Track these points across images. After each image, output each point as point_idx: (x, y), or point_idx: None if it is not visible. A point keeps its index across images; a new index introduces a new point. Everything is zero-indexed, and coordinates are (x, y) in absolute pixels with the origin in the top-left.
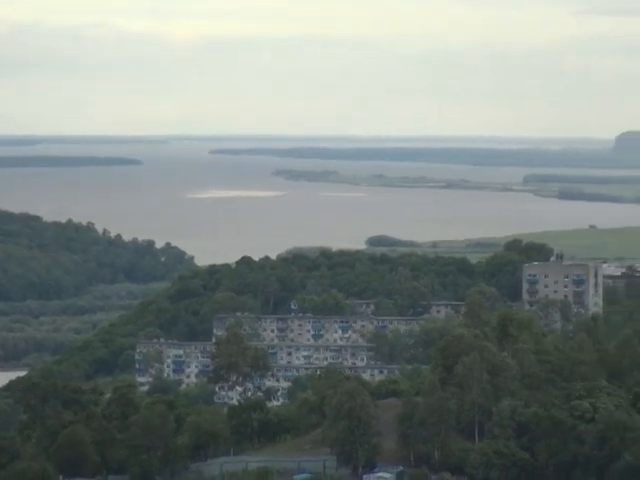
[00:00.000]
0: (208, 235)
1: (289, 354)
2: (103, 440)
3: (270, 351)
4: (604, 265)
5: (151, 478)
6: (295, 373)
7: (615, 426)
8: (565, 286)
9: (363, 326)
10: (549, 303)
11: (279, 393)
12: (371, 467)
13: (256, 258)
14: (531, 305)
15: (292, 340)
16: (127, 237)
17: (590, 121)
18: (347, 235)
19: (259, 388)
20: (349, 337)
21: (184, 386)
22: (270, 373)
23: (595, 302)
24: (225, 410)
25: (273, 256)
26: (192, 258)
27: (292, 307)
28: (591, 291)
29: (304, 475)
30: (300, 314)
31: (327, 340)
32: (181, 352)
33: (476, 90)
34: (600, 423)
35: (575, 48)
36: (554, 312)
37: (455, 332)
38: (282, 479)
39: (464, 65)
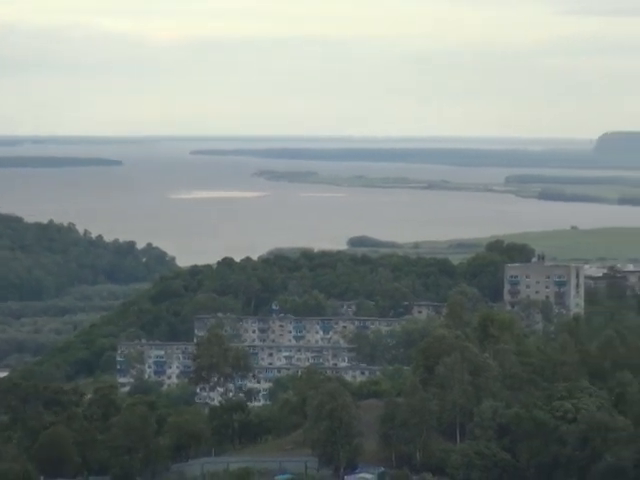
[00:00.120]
0: (189, 236)
1: (270, 355)
2: (84, 441)
3: (251, 352)
4: (586, 266)
5: (132, 479)
6: (276, 374)
7: (597, 427)
8: (547, 287)
9: (344, 327)
10: (530, 304)
11: (260, 394)
12: (352, 468)
13: (237, 259)
14: (512, 306)
15: (273, 341)
16: (108, 238)
17: (572, 122)
18: (328, 236)
19: (240, 389)
20: (330, 338)
21: (165, 387)
22: (251, 374)
23: (577, 303)
24: (206, 411)
25: (254, 257)
26: (173, 259)
27: (273, 308)
28: (572, 292)
29: (285, 476)
30: (281, 315)
31: (308, 341)
32: (162, 353)
33: (458, 90)
34: (582, 424)
35: (557, 49)
36: (535, 313)
37: (436, 333)
38: (263, 479)
39: (446, 66)
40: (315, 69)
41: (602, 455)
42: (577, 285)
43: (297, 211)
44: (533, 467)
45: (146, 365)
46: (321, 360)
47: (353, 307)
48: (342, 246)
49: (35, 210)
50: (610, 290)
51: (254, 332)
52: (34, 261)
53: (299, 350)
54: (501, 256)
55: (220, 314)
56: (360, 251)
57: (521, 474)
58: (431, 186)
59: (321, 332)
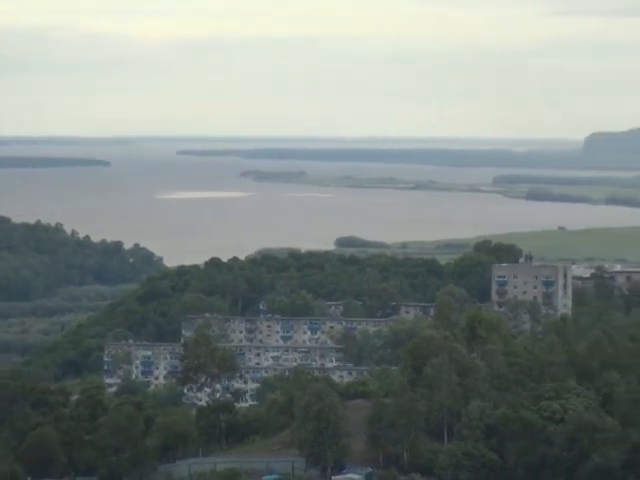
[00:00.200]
0: (177, 236)
1: (258, 355)
2: (71, 441)
3: (239, 352)
4: (573, 266)
5: (119, 479)
6: (264, 374)
7: (584, 427)
8: (534, 287)
9: (332, 327)
10: (518, 304)
11: (247, 394)
12: (340, 468)
13: (225, 259)
14: (500, 306)
15: (261, 341)
16: (96, 238)
17: (559, 122)
18: (316, 236)
19: (227, 389)
20: (318, 338)
21: (153, 387)
22: (238, 374)
23: (564, 303)
24: (194, 411)
25: (242, 257)
26: (161, 259)
27: (261, 308)
28: (560, 292)
29: (273, 476)
30: (269, 315)
31: (296, 341)
32: (150, 353)
33: (445, 91)
34: (569, 424)
35: (544, 49)
36: (523, 313)
37: (424, 333)
38: None
39: (433, 66)
40: (306, 69)
41: (589, 455)
42: (565, 285)
43: (285, 211)
44: (521, 467)
45: (133, 365)
46: (309, 360)
47: (341, 307)
48: (330, 246)
49: (22, 210)
50: (598, 290)
51: (241, 332)
52: (22, 262)
53: (286, 350)
54: (489, 256)
55: (207, 314)
56: (348, 251)
57: (509, 474)
58: (419, 186)
59: (309, 332)
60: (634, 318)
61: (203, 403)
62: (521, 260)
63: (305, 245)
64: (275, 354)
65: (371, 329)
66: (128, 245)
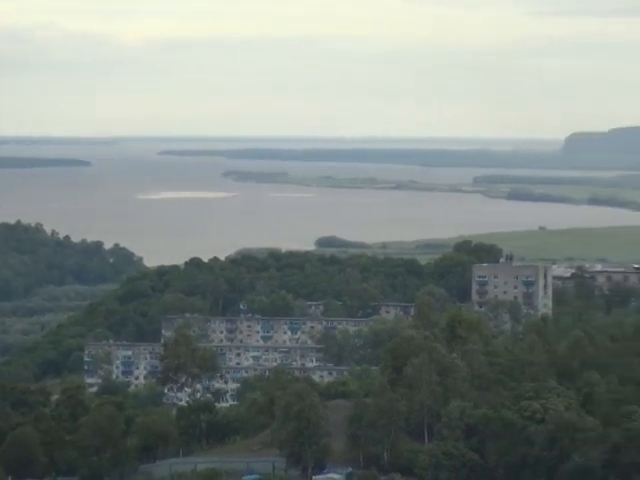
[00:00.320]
0: (157, 236)
1: (238, 355)
2: (52, 441)
3: (219, 352)
4: (554, 266)
5: (100, 479)
6: (244, 374)
7: (565, 427)
8: (515, 287)
9: (312, 327)
10: (499, 304)
11: (228, 394)
12: (320, 468)
13: (205, 259)
14: (480, 306)
15: (241, 341)
16: (76, 238)
17: (539, 122)
18: (296, 236)
19: (208, 389)
20: (298, 338)
21: (133, 387)
22: (219, 374)
23: (545, 303)
24: (174, 411)
25: (222, 257)
26: (141, 259)
27: (241, 308)
28: (541, 292)
29: (253, 476)
30: (249, 315)
31: (276, 341)
32: (130, 353)
33: (426, 91)
34: (550, 424)
35: (524, 49)
36: (504, 313)
37: (404, 333)
38: None
39: (413, 65)
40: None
41: (570, 455)
42: (545, 285)
43: (265, 211)
44: (501, 467)
45: (114, 365)
46: (289, 360)
47: (321, 307)
48: (310, 246)
49: (2, 210)
50: (578, 290)
51: (222, 332)
52: (2, 262)
53: (267, 350)
54: (469, 256)
55: (188, 314)
56: (328, 251)
57: (489, 474)
58: (399, 186)
59: (289, 332)
60: (614, 318)
61: (183, 403)
62: (501, 260)
63: (285, 245)
64: (255, 354)
65: (351, 329)
66: (108, 245)
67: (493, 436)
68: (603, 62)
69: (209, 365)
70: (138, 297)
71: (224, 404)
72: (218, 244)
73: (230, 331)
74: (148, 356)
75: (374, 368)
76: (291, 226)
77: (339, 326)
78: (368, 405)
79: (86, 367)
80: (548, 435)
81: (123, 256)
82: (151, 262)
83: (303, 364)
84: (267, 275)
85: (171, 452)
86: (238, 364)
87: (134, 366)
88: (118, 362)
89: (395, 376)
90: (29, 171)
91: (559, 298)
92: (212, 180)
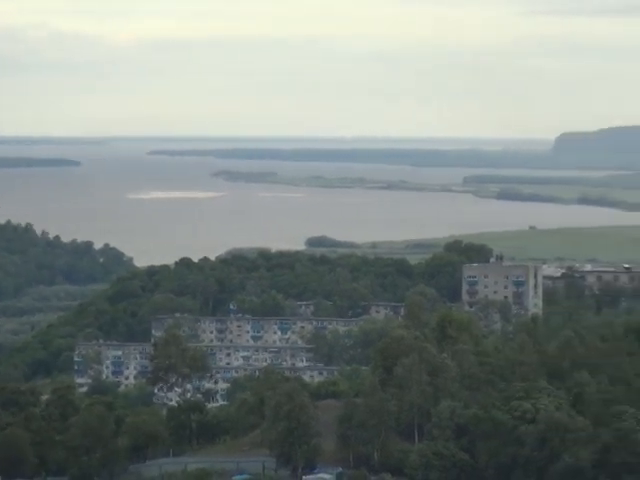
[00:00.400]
0: (147, 236)
1: (228, 355)
2: (42, 441)
3: (209, 352)
4: (544, 266)
5: (90, 479)
6: (234, 374)
7: (555, 427)
8: (505, 287)
9: (302, 327)
10: (489, 304)
11: (218, 394)
12: (310, 468)
13: (195, 259)
14: (471, 306)
15: (231, 341)
16: (66, 238)
17: (529, 122)
18: (286, 236)
19: (198, 389)
20: (288, 338)
21: (123, 387)
22: (209, 374)
23: (535, 303)
24: (164, 411)
25: (212, 257)
26: (131, 259)
27: (231, 308)
28: (531, 292)
29: (243, 476)
30: (239, 315)
31: (266, 341)
32: (120, 353)
33: (415, 91)
34: (540, 424)
35: (514, 49)
36: (494, 313)
37: (395, 333)
38: None
39: (404, 65)
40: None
41: (560, 455)
42: (535, 285)
43: (255, 211)
44: (491, 467)
45: (104, 365)
46: (279, 360)
47: (311, 307)
48: (300, 246)
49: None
50: (568, 290)
51: (212, 332)
52: None
53: (257, 350)
54: (459, 256)
55: (178, 314)
56: (318, 251)
57: (479, 474)
58: (389, 186)
59: (279, 332)
60: (605, 318)
61: (174, 403)
62: (492, 260)
63: (275, 245)
64: (245, 354)
65: (341, 329)
66: (98, 245)
67: (483, 436)
68: (593, 62)
69: (199, 365)
70: (128, 297)
71: (214, 404)
72: (208, 244)
73: (220, 331)
74: (138, 356)
75: (364, 368)
76: (281, 226)
77: (329, 326)
78: (358, 405)
79: (76, 367)
80: (538, 435)
81: (113, 256)
82: (141, 262)
83: (293, 364)
84: (257, 275)
85: (161, 452)
86: (228, 364)
87: (124, 366)
88: (108, 362)
89: (385, 376)
90: (17, 171)
91: (549, 298)
92: (202, 180)
